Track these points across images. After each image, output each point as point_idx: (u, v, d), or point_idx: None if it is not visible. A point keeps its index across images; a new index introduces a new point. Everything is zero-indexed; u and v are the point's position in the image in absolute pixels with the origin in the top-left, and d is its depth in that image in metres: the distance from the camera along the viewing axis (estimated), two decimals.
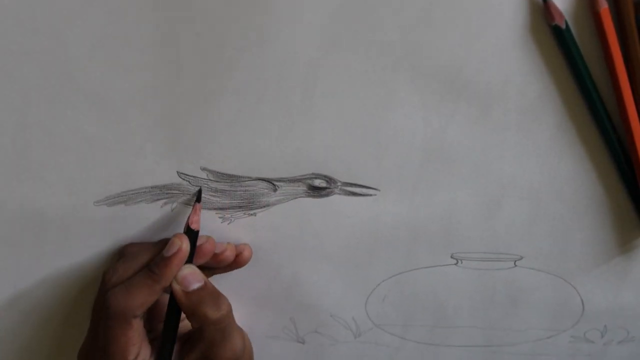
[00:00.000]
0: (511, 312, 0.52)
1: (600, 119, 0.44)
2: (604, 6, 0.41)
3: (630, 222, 0.48)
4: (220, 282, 0.47)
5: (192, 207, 0.44)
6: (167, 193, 0.44)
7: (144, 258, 0.43)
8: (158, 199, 0.45)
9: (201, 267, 0.44)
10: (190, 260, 0.43)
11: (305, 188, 0.45)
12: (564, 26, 0.41)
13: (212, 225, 0.46)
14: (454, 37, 0.42)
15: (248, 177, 0.45)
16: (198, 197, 0.44)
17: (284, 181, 0.45)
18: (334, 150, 0.44)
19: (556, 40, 0.42)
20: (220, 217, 0.46)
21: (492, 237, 0.48)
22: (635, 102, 0.43)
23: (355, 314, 0.51)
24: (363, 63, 0.42)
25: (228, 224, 0.46)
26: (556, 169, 0.46)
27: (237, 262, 0.46)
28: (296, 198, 0.46)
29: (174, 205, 0.45)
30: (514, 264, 0.50)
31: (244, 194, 0.45)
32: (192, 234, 0.43)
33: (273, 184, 0.45)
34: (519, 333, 0.52)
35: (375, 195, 0.46)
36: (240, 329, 0.46)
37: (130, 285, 0.41)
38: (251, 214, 0.46)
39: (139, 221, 0.45)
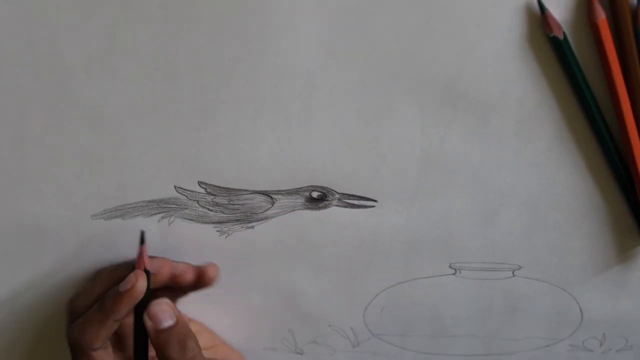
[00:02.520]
0: (510, 321, 0.52)
1: (599, 128, 0.44)
2: (601, 17, 0.41)
3: (628, 231, 0.48)
4: (218, 294, 0.47)
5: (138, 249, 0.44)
6: (164, 207, 0.44)
7: (104, 286, 0.43)
8: (155, 213, 0.45)
9: (165, 289, 0.44)
10: (147, 295, 0.42)
11: (303, 200, 0.45)
12: (562, 37, 0.41)
13: (210, 239, 0.46)
14: (452, 47, 0.42)
15: (245, 191, 0.44)
16: (142, 239, 0.44)
17: (281, 194, 0.45)
18: (332, 161, 0.44)
19: (554, 51, 0.42)
20: (218, 231, 0.46)
21: (491, 246, 0.48)
22: (634, 113, 0.43)
23: (353, 324, 0.51)
24: (361, 74, 0.42)
25: (226, 237, 0.46)
26: (554, 178, 0.46)
27: (201, 283, 0.45)
28: (294, 210, 0.46)
29: (172, 219, 0.45)
30: (513, 273, 0.49)
31: (241, 207, 0.45)
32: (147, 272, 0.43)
33: (271, 197, 0.45)
34: (517, 342, 0.52)
35: (374, 206, 0.46)
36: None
37: (85, 321, 0.42)
38: (249, 227, 0.46)
39: (136, 235, 0.45)
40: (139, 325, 0.43)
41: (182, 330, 0.43)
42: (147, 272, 0.43)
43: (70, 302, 0.44)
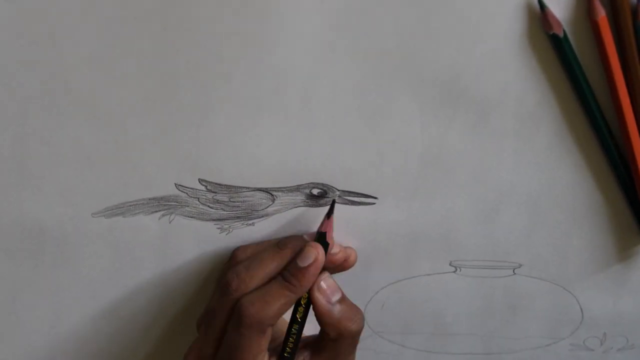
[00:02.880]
0: (510, 320, 0.51)
1: (599, 126, 0.44)
2: (601, 14, 0.41)
3: (629, 230, 0.48)
4: None
5: (322, 220, 0.44)
6: (165, 204, 0.44)
7: (271, 266, 0.42)
8: (156, 211, 0.45)
9: None
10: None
11: (303, 197, 0.45)
12: (562, 34, 0.41)
13: (211, 237, 0.46)
14: (452, 45, 0.42)
15: (246, 188, 0.45)
16: (331, 209, 0.44)
17: (282, 191, 0.45)
18: (332, 159, 0.44)
19: (554, 49, 0.42)
20: (218, 228, 0.46)
21: (491, 244, 0.48)
22: (634, 110, 0.43)
23: None
24: (361, 72, 0.42)
25: (226, 234, 0.46)
26: (554, 176, 0.46)
27: (343, 266, 0.46)
28: (295, 207, 0.46)
29: (172, 216, 0.45)
30: (513, 271, 0.49)
31: (242, 204, 0.45)
32: (324, 239, 0.43)
33: (271, 194, 0.45)
34: (518, 341, 0.52)
35: (374, 203, 0.46)
36: None
37: (267, 295, 0.41)
38: (250, 224, 0.46)
39: (137, 233, 0.45)
40: (302, 310, 0.43)
41: (349, 301, 0.44)
42: (325, 244, 0.43)
43: (233, 278, 0.42)
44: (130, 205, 0.44)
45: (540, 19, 0.41)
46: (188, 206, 0.45)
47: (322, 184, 0.45)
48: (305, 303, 0.43)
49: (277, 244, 0.44)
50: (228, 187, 0.44)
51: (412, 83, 0.43)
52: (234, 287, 0.42)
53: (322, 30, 0.41)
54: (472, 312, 0.51)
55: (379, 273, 0.49)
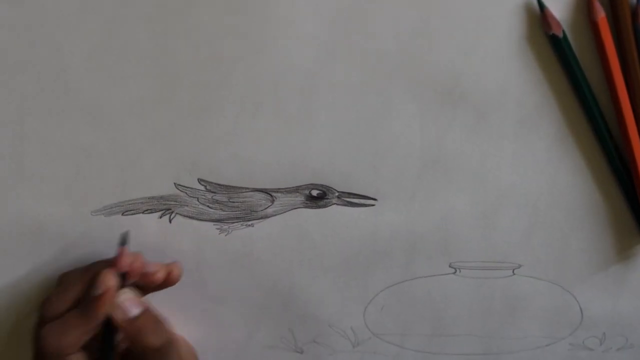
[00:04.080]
0: (510, 321, 0.51)
1: (598, 127, 0.44)
2: (601, 15, 0.41)
3: (628, 230, 0.48)
4: (218, 291, 0.47)
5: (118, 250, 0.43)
6: (164, 204, 0.44)
7: (78, 289, 0.42)
8: (156, 210, 0.45)
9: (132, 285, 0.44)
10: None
11: (302, 199, 0.45)
12: (561, 35, 0.41)
13: (210, 237, 0.46)
14: (451, 46, 0.42)
15: (245, 188, 0.45)
16: (123, 241, 0.43)
17: (281, 192, 0.45)
18: (332, 160, 0.44)
19: (554, 49, 0.42)
20: (217, 229, 0.46)
21: (490, 245, 0.48)
22: (633, 111, 0.43)
23: (353, 323, 0.51)
24: (360, 72, 0.42)
25: (225, 235, 0.46)
26: (554, 177, 0.46)
27: (166, 282, 0.45)
28: (294, 209, 0.46)
29: (172, 215, 0.45)
30: (513, 272, 0.49)
31: (241, 205, 0.45)
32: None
33: (270, 195, 0.45)
34: (517, 341, 0.52)
35: (374, 205, 0.46)
36: (179, 343, 0.45)
37: (64, 324, 0.41)
38: (249, 225, 0.46)
39: (136, 232, 0.45)
40: (106, 322, 0.42)
41: (152, 315, 0.43)
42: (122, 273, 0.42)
43: (42, 307, 0.43)
44: (129, 204, 0.44)
45: (539, 19, 0.41)
46: (187, 206, 0.45)
47: (322, 185, 0.45)
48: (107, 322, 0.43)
49: (85, 268, 0.44)
50: (227, 187, 0.44)
51: (411, 84, 0.43)
52: (43, 310, 0.42)
53: (321, 31, 0.41)
54: (472, 313, 0.51)
55: (378, 275, 0.49)
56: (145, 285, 0.44)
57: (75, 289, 0.42)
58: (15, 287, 0.46)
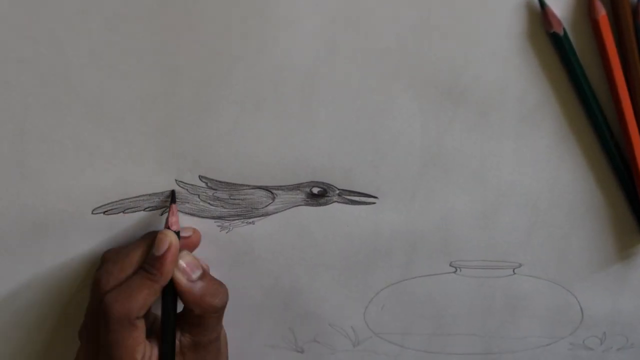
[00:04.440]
0: (510, 320, 0.51)
1: (599, 126, 0.44)
2: (602, 13, 0.41)
3: (629, 229, 0.48)
4: None
5: (168, 208, 0.44)
6: (165, 201, 0.44)
7: (135, 257, 0.43)
8: (157, 207, 0.45)
9: None
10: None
11: (303, 196, 0.45)
12: (562, 33, 0.41)
13: (211, 234, 0.46)
14: (452, 44, 0.42)
15: (246, 186, 0.45)
16: (172, 198, 0.44)
17: (282, 189, 0.45)
18: (333, 158, 0.44)
19: (554, 48, 0.42)
20: (218, 226, 0.46)
21: (491, 245, 0.48)
22: (634, 109, 0.43)
23: (354, 322, 0.51)
24: (361, 71, 0.42)
25: (226, 232, 0.46)
26: (555, 176, 0.46)
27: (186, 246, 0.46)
28: (295, 206, 0.46)
29: None
30: (513, 271, 0.49)
31: (242, 202, 0.45)
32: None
33: (271, 192, 0.45)
34: (518, 340, 0.52)
35: (374, 203, 0.46)
36: None
37: (130, 288, 0.41)
38: (250, 223, 0.46)
39: (138, 229, 0.45)
40: (170, 293, 0.43)
41: (212, 278, 0.44)
42: (176, 232, 0.43)
43: (99, 281, 0.42)
44: (130, 202, 0.44)
45: (540, 17, 0.41)
46: (188, 203, 0.45)
47: (323, 183, 0.45)
48: (174, 289, 0.43)
49: (141, 237, 0.44)
50: (228, 184, 0.44)
51: (412, 82, 0.43)
52: (104, 283, 0.42)
53: (322, 29, 0.41)
54: (472, 313, 0.51)
55: (379, 274, 0.49)
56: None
57: (134, 258, 0.43)
58: (15, 286, 0.46)
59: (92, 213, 0.44)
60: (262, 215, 0.46)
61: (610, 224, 0.48)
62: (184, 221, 0.45)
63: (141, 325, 0.41)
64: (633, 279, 0.50)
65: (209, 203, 0.45)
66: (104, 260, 0.44)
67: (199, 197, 0.44)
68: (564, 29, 0.41)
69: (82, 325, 0.45)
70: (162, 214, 0.45)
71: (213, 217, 0.45)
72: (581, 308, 0.51)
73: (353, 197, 0.46)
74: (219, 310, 0.43)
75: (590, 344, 0.53)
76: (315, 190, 0.45)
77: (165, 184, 0.44)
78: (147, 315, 0.43)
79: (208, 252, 0.46)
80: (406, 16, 0.41)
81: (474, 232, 0.48)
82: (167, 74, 0.41)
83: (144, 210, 0.45)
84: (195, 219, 0.45)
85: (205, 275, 0.43)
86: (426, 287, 0.50)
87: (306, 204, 0.46)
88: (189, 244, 0.45)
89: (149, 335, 0.43)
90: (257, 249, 0.47)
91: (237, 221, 0.46)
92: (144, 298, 0.41)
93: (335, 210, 0.46)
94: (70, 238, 0.45)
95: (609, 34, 0.41)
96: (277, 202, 0.45)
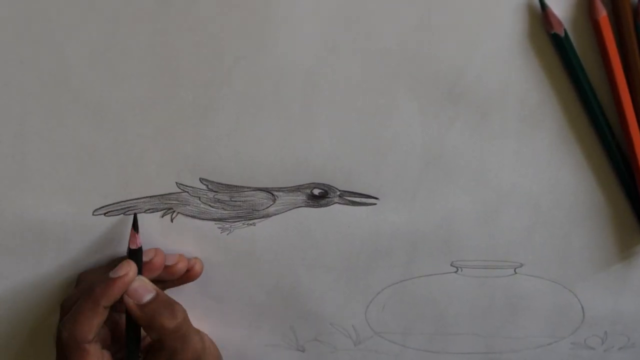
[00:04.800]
0: (511, 320, 0.51)
1: (600, 126, 0.44)
2: (603, 14, 0.41)
3: (630, 229, 0.48)
4: (220, 290, 0.47)
5: (167, 211, 0.44)
6: (166, 203, 0.44)
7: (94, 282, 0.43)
8: (157, 209, 0.45)
9: (153, 281, 0.44)
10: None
11: (304, 197, 0.45)
12: (563, 34, 0.41)
13: (212, 236, 0.46)
14: (452, 44, 0.42)
15: (247, 187, 0.45)
16: (134, 224, 0.44)
17: (283, 191, 0.45)
18: (333, 159, 0.44)
19: (555, 48, 0.42)
20: (219, 228, 0.46)
21: (492, 244, 0.48)
22: (635, 110, 0.43)
23: (355, 322, 0.51)
24: (362, 71, 0.42)
25: (227, 234, 0.46)
26: (556, 176, 0.46)
27: (187, 277, 0.46)
28: (296, 208, 0.46)
29: (174, 215, 0.45)
30: (514, 271, 0.49)
31: (243, 204, 0.45)
32: (136, 253, 0.43)
33: (272, 194, 0.45)
34: (519, 340, 0.52)
35: (375, 204, 0.46)
36: (197, 331, 0.46)
37: (76, 312, 0.41)
38: (250, 224, 0.46)
39: (139, 231, 0.45)
40: (129, 317, 0.43)
41: (165, 298, 0.43)
42: (139, 251, 0.43)
43: (62, 305, 0.44)
44: (131, 204, 0.44)
45: (541, 18, 0.41)
46: (189, 205, 0.45)
47: (323, 184, 0.45)
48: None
49: (105, 265, 0.45)
50: (229, 186, 0.44)
51: (413, 83, 0.43)
52: (66, 307, 0.43)
53: (322, 30, 0.41)
54: (474, 312, 0.51)
55: (380, 274, 0.49)
56: (166, 279, 0.45)
57: (92, 283, 0.43)
58: (16, 286, 0.46)
59: (93, 214, 0.44)
60: (263, 217, 0.46)
61: (611, 223, 0.48)
62: (186, 224, 0.45)
63: (94, 349, 0.41)
64: (634, 279, 0.50)
65: (209, 205, 0.45)
66: (77, 283, 0.45)
67: (199, 199, 0.45)
68: (564, 30, 0.41)
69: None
70: (162, 216, 0.45)
71: (214, 219, 0.45)
72: (582, 308, 0.51)
73: (354, 198, 0.46)
74: (174, 332, 0.43)
75: (591, 344, 0.53)
76: (316, 191, 0.45)
77: (166, 186, 0.44)
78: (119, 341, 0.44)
79: (209, 254, 0.47)
80: (407, 17, 0.41)
81: (475, 232, 0.48)
82: (167, 75, 0.41)
83: (144, 212, 0.45)
84: (196, 221, 0.45)
85: (157, 297, 0.43)
86: (427, 286, 0.50)
87: (307, 206, 0.46)
88: (152, 266, 0.44)
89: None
90: (258, 250, 0.47)
91: (238, 223, 0.46)
92: (89, 321, 0.41)
93: (336, 211, 0.46)
94: (71, 239, 0.45)
95: (609, 35, 0.41)
96: (277, 203, 0.45)
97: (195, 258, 0.46)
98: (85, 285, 0.43)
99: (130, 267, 0.42)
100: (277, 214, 0.46)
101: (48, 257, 0.45)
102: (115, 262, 0.44)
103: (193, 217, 0.45)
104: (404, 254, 0.48)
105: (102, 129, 0.42)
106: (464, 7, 0.41)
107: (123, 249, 0.46)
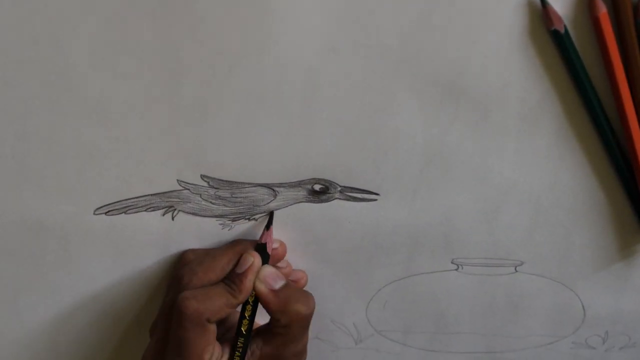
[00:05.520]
0: (512, 318, 0.51)
1: (600, 123, 0.44)
2: (602, 10, 0.41)
3: (630, 227, 0.48)
4: None
5: (262, 231, 0.45)
6: (167, 201, 0.44)
7: (221, 262, 0.44)
8: (159, 207, 0.45)
9: None
10: None
11: (305, 193, 0.45)
12: (563, 31, 0.41)
13: (213, 232, 0.46)
14: (453, 42, 0.42)
15: (248, 184, 0.45)
16: (269, 221, 0.45)
17: (284, 187, 0.45)
18: (334, 155, 0.44)
19: (555, 45, 0.42)
20: (220, 224, 0.46)
21: (493, 242, 0.48)
22: (635, 106, 0.43)
23: (356, 319, 0.51)
24: (363, 68, 0.42)
25: (229, 230, 0.46)
26: (556, 174, 0.46)
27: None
28: (297, 203, 0.46)
29: (175, 212, 0.45)
30: (515, 269, 0.49)
31: (244, 200, 0.45)
32: (263, 247, 0.44)
33: (273, 190, 0.45)
34: (519, 339, 0.52)
35: (376, 200, 0.46)
36: None
37: (210, 292, 0.42)
38: (252, 220, 0.46)
39: (140, 229, 0.45)
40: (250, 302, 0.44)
41: (297, 287, 0.45)
42: (265, 246, 0.44)
43: (181, 278, 0.43)
44: (132, 202, 0.44)
45: (541, 15, 0.41)
46: (190, 202, 0.45)
47: (324, 180, 0.45)
48: (253, 301, 0.43)
49: (229, 244, 0.45)
50: (230, 183, 0.44)
51: (413, 80, 0.43)
52: (186, 280, 0.43)
53: (323, 27, 0.41)
54: (474, 311, 0.51)
55: (380, 271, 0.49)
56: None
57: (221, 263, 0.44)
58: (15, 286, 0.46)
59: (94, 213, 0.44)
60: (264, 213, 0.46)
61: (612, 222, 0.48)
62: (187, 221, 0.45)
63: (213, 328, 0.42)
64: (635, 278, 0.50)
65: (211, 202, 0.45)
66: (187, 260, 0.45)
67: (200, 196, 0.45)
68: (565, 27, 0.41)
69: (153, 322, 0.45)
70: (163, 215, 0.45)
71: (215, 216, 0.45)
72: (583, 307, 0.51)
73: (355, 194, 0.46)
74: (306, 319, 0.43)
75: (592, 343, 0.53)
76: (317, 187, 0.45)
77: (166, 184, 0.44)
78: (224, 323, 0.45)
79: None
80: (407, 14, 0.41)
81: (476, 229, 0.48)
82: (167, 73, 0.41)
83: (145, 210, 0.45)
84: (198, 218, 0.45)
85: (288, 285, 0.44)
86: (428, 284, 0.50)
87: (308, 201, 0.46)
88: (275, 256, 0.46)
89: (223, 341, 0.44)
90: None
91: (239, 219, 0.46)
92: (220, 306, 0.42)
93: (336, 207, 0.46)
94: (72, 239, 0.45)
95: (609, 31, 0.41)
96: (278, 199, 0.45)
97: (302, 271, 0.48)
98: (215, 262, 0.44)
99: (255, 258, 0.43)
100: (278, 209, 0.46)
101: (49, 256, 0.45)
102: (232, 245, 0.45)
103: (194, 214, 0.45)
104: (405, 250, 0.48)
105: (102, 127, 0.42)
106: (464, 4, 0.41)
107: (126, 247, 0.46)
